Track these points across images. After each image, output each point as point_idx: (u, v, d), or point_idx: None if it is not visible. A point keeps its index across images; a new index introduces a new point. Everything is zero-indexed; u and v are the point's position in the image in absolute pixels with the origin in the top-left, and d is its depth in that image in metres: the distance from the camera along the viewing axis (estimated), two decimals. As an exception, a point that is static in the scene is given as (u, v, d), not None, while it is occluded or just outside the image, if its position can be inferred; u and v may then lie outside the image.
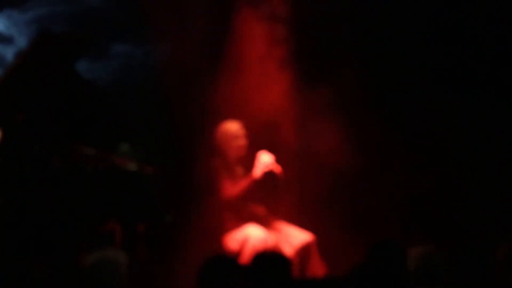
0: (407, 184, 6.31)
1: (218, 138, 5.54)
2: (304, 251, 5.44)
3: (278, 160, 5.56)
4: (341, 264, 5.05)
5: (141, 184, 4.84)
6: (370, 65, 6.37)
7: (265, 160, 5.43)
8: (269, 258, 4.01)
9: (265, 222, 5.54)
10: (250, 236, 5.35)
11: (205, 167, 5.50)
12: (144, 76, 6.84)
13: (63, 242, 4.69)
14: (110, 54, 7.01)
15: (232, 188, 5.41)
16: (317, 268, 5.44)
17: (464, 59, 6.48)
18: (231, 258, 4.80)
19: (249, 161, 5.54)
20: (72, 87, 5.15)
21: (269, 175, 5.45)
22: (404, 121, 6.44)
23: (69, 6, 7.03)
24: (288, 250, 5.35)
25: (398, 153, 6.38)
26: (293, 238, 5.48)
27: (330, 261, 5.55)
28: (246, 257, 5.18)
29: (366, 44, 6.40)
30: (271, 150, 5.55)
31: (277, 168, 5.48)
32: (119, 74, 6.93)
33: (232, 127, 5.54)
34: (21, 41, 6.98)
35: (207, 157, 5.54)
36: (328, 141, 6.11)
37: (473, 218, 6.19)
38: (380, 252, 4.07)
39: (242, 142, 5.53)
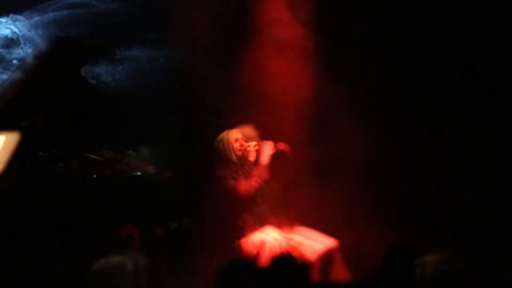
0: (426, 183, 6.35)
1: (219, 148, 5.60)
2: (326, 256, 5.46)
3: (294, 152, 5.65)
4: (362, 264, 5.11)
5: (160, 187, 4.84)
6: (389, 60, 6.43)
7: (267, 147, 5.56)
8: (285, 262, 4.03)
9: (283, 226, 5.57)
10: (266, 240, 5.37)
11: (214, 177, 5.52)
12: (162, 80, 6.87)
13: (81, 245, 4.71)
14: (117, 59, 7.03)
15: (247, 184, 5.47)
16: (340, 274, 5.44)
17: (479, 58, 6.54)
18: (248, 262, 4.84)
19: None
20: (79, 93, 5.15)
21: (276, 157, 5.55)
22: (426, 119, 6.49)
23: (75, 11, 7.05)
24: (310, 254, 5.37)
25: (417, 150, 6.42)
26: (316, 243, 5.51)
27: (353, 261, 5.58)
28: (262, 261, 5.19)
29: (387, 39, 6.46)
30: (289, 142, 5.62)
31: (282, 146, 5.58)
32: (138, 77, 6.95)
33: (229, 133, 5.62)
34: (27, 45, 7.00)
35: (215, 168, 5.56)
36: (346, 134, 6.17)
37: (491, 221, 6.21)
38: (395, 259, 4.07)
39: (242, 143, 5.61)
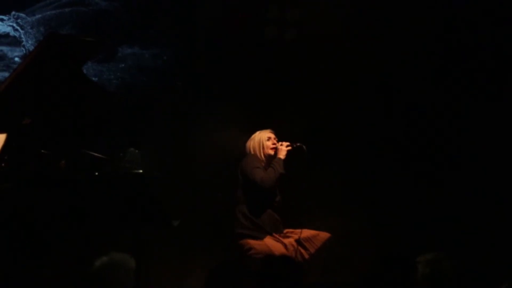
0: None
1: (249, 146, 5.87)
2: (324, 249, 5.62)
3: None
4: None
5: (148, 188, 4.81)
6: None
7: (284, 144, 5.79)
8: (280, 264, 4.01)
9: (280, 229, 5.67)
10: (270, 246, 5.46)
11: (246, 165, 5.69)
12: (153, 79, 6.89)
13: (68, 246, 4.70)
14: (118, 57, 7.03)
15: (265, 173, 5.65)
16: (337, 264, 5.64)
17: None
18: (243, 264, 4.83)
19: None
20: (80, 90, 5.13)
21: (294, 152, 5.75)
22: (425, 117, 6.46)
23: (77, 8, 7.05)
24: (309, 250, 5.56)
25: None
26: (312, 239, 5.64)
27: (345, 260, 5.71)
28: (263, 261, 5.17)
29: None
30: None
31: (301, 145, 5.76)
32: (128, 76, 6.97)
33: (262, 132, 5.90)
34: (29, 43, 7.00)
35: (246, 159, 5.74)
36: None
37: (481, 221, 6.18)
38: (389, 262, 4.04)
39: (274, 142, 5.85)
